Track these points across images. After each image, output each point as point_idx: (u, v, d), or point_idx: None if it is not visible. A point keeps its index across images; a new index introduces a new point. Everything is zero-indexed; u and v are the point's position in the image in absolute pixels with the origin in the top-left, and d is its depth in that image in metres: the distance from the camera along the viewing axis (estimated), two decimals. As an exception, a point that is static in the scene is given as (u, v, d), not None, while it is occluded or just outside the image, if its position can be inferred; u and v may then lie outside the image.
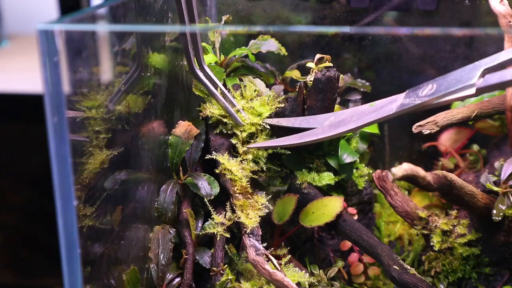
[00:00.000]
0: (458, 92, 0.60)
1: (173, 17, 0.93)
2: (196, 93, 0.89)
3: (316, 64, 0.83)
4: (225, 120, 0.87)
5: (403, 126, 1.12)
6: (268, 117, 0.87)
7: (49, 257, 1.80)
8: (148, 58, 0.84)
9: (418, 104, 0.64)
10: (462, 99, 0.61)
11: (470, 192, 0.81)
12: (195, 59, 0.83)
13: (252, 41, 0.98)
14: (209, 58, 0.92)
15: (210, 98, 0.88)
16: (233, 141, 0.87)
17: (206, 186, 0.86)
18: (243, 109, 0.87)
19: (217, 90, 0.86)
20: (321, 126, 0.79)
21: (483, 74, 0.60)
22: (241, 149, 0.86)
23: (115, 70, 0.78)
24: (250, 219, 0.83)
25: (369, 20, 1.06)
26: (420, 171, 0.75)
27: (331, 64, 0.83)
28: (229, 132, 0.88)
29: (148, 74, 0.84)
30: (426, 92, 0.63)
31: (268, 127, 0.87)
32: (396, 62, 1.13)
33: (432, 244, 0.87)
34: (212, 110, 0.88)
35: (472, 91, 0.59)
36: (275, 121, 0.86)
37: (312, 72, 0.84)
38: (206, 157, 0.88)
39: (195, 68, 0.83)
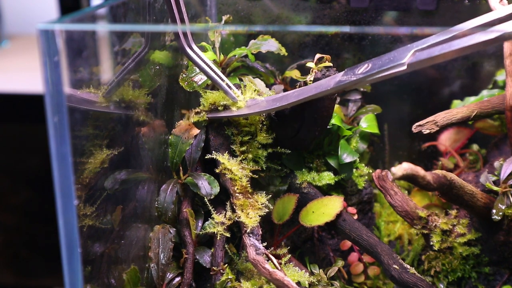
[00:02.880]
0: (391, 69, 0.65)
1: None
2: (181, 84, 0.89)
3: (316, 64, 0.83)
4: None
5: (403, 126, 1.12)
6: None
7: (49, 257, 1.80)
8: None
9: (353, 80, 0.68)
10: (394, 75, 0.65)
11: (470, 192, 0.81)
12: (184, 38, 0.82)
13: (252, 41, 0.99)
14: (208, 56, 0.92)
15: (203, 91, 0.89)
16: (232, 146, 0.87)
17: (206, 186, 0.86)
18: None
19: (208, 68, 0.84)
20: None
21: (413, 54, 0.64)
22: (239, 149, 0.87)
23: (115, 70, 0.78)
24: (250, 218, 0.84)
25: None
26: (419, 170, 0.75)
27: (331, 64, 0.83)
28: (229, 133, 0.88)
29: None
30: (362, 70, 0.68)
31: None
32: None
33: (431, 243, 0.87)
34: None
35: (403, 67, 0.64)
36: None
37: (312, 72, 0.84)
38: (206, 157, 0.88)
39: (185, 47, 0.82)
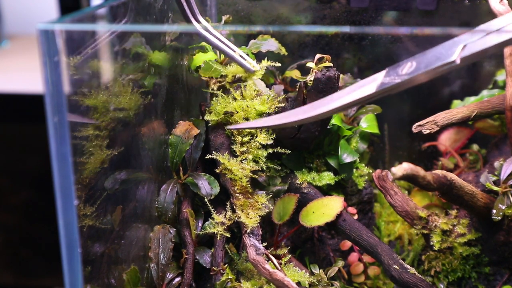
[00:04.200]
0: (441, 67, 0.60)
1: (174, 17, 0.93)
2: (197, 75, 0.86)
3: (316, 64, 0.83)
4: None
5: (403, 126, 1.12)
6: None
7: (49, 257, 1.80)
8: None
9: (398, 82, 0.63)
10: (442, 73, 0.60)
11: (470, 192, 0.81)
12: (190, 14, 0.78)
13: (252, 41, 0.99)
14: (208, 56, 0.92)
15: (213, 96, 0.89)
16: (233, 147, 0.87)
17: (206, 186, 0.86)
18: (242, 110, 0.87)
19: (218, 40, 0.80)
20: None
21: (463, 48, 0.60)
22: (239, 149, 0.87)
23: (115, 70, 0.78)
24: (250, 218, 0.84)
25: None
26: (420, 170, 0.75)
27: (331, 64, 0.83)
28: (229, 133, 0.88)
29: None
30: (406, 70, 0.62)
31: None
32: (396, 62, 1.13)
33: (432, 243, 0.87)
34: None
35: (456, 63, 0.59)
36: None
37: (312, 72, 0.84)
38: (206, 157, 0.88)
39: (193, 22, 0.79)
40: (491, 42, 0.58)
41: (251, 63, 0.80)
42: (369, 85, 0.66)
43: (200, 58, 0.91)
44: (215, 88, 0.86)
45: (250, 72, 0.80)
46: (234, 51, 0.80)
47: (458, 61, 0.59)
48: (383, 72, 0.65)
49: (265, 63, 0.83)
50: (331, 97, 0.71)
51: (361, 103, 0.68)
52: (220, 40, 0.79)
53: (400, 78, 0.62)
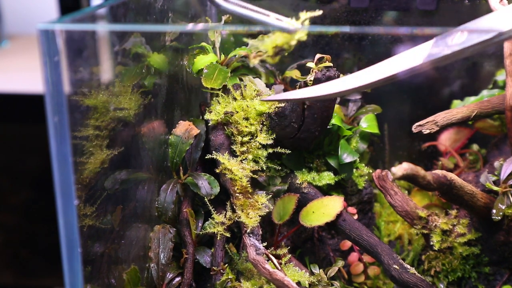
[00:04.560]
0: (494, 39, 0.54)
1: (173, 17, 0.93)
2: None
3: (316, 64, 0.83)
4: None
5: (403, 126, 1.12)
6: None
7: (49, 257, 1.80)
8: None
9: (447, 54, 0.58)
10: (492, 46, 0.56)
11: (470, 192, 0.81)
12: None
13: (252, 41, 0.98)
14: (209, 58, 0.92)
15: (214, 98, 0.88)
16: (233, 146, 0.87)
17: (206, 186, 0.86)
18: (242, 110, 0.87)
19: (245, 9, 0.74)
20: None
21: None
22: (239, 149, 0.87)
23: (115, 70, 0.78)
24: (251, 218, 0.84)
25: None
26: (420, 170, 0.75)
27: (331, 64, 0.83)
28: (229, 133, 0.88)
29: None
30: (456, 40, 0.57)
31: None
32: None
33: (432, 243, 0.87)
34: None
35: (510, 33, 0.53)
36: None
37: (312, 71, 0.84)
38: (206, 157, 0.88)
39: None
40: None
41: (289, 22, 0.70)
42: (417, 56, 0.61)
43: (201, 61, 0.91)
44: (255, 62, 0.78)
45: (292, 32, 0.68)
46: (268, 16, 0.71)
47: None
48: (430, 42, 0.60)
49: (302, 17, 0.71)
50: (372, 69, 0.65)
51: (406, 75, 0.62)
52: (247, 8, 0.73)
53: (450, 49, 0.57)
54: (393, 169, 0.73)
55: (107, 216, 0.77)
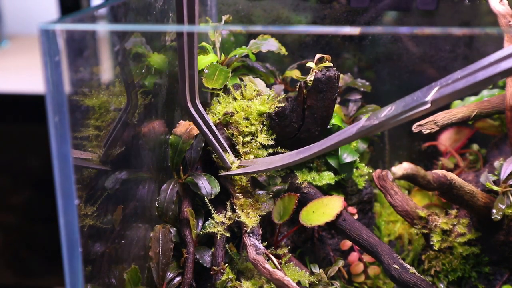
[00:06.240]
0: (414, 109, 0.63)
1: (174, 17, 0.93)
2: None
3: (316, 63, 0.83)
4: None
5: (403, 126, 1.12)
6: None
7: (49, 257, 1.80)
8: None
9: (376, 124, 0.67)
10: (418, 115, 0.64)
11: (470, 192, 0.81)
12: (189, 94, 0.80)
13: (252, 41, 0.99)
14: (210, 58, 0.92)
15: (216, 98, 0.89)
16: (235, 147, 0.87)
17: (206, 186, 0.86)
18: (243, 110, 0.87)
19: (207, 128, 0.83)
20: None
21: (437, 91, 0.63)
22: (241, 150, 0.87)
23: (115, 70, 0.78)
24: (251, 218, 0.84)
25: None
26: (420, 170, 0.75)
27: (331, 64, 0.83)
28: (229, 135, 0.88)
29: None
30: (385, 113, 0.67)
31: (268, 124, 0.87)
32: (396, 62, 1.13)
33: (432, 243, 0.87)
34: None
35: (427, 105, 0.62)
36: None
37: (312, 71, 0.84)
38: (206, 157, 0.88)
39: (187, 103, 0.81)
40: (460, 85, 0.60)
41: (231, 159, 0.84)
42: (351, 129, 0.70)
43: (201, 62, 0.91)
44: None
45: (227, 167, 0.84)
46: (224, 146, 0.84)
47: (429, 104, 0.62)
48: (365, 117, 0.70)
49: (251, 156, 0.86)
50: (317, 144, 0.75)
51: (343, 144, 0.73)
52: (210, 129, 0.83)
53: (378, 120, 0.67)
54: (393, 168, 0.73)
55: (107, 216, 0.77)
